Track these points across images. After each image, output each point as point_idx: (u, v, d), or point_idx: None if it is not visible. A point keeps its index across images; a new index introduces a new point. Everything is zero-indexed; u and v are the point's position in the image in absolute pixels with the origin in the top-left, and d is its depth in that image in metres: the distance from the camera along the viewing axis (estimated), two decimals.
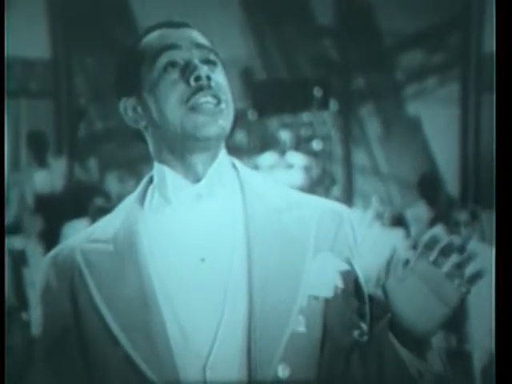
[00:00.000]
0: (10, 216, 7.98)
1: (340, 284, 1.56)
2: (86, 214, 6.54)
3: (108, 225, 1.61)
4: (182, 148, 1.57)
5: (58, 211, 7.17)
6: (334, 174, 8.78)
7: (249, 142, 8.56)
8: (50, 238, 6.48)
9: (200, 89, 1.55)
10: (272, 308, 1.50)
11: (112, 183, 8.36)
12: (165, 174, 1.59)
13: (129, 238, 1.57)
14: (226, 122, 1.57)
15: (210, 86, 1.55)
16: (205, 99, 1.55)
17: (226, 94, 1.58)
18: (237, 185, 1.61)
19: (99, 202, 6.56)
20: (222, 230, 1.56)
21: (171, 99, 1.55)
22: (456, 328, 5.56)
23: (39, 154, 8.34)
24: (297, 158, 8.24)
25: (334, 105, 8.83)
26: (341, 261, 1.57)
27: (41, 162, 8.30)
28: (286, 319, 1.51)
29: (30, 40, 8.55)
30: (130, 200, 1.63)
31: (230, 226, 1.57)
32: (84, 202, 6.86)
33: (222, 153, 1.61)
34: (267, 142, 8.47)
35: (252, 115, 8.75)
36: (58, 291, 1.58)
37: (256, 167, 8.03)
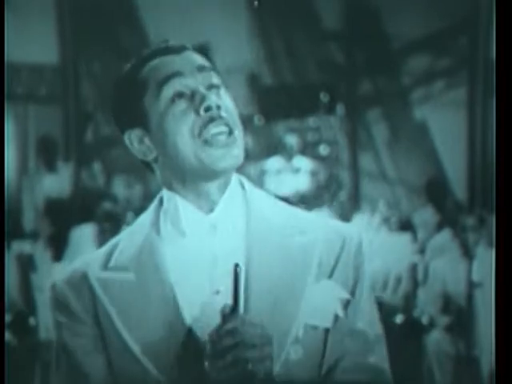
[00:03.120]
0: (18, 220, 8.00)
1: (340, 313, 1.55)
2: (94, 218, 6.55)
3: (123, 251, 1.58)
4: (195, 178, 1.55)
5: (65, 216, 7.19)
6: (341, 179, 8.78)
7: (255, 147, 8.56)
8: (58, 243, 6.49)
9: (211, 120, 1.53)
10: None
11: (119, 187, 8.37)
12: (177, 205, 1.57)
13: (151, 267, 1.55)
14: (240, 150, 1.55)
15: (220, 116, 1.53)
16: (217, 129, 1.53)
17: (236, 119, 1.56)
18: (244, 207, 1.59)
19: (106, 206, 6.58)
20: (234, 259, 1.52)
21: (182, 132, 1.53)
22: (464, 334, 5.56)
23: (48, 158, 8.36)
24: (304, 163, 8.24)
25: (340, 109, 8.84)
26: (342, 289, 1.55)
27: (50, 166, 8.32)
28: (280, 349, 1.50)
29: (38, 46, 8.58)
30: (144, 224, 1.60)
31: (241, 254, 1.54)
32: (91, 206, 6.88)
33: (234, 176, 1.59)
34: (274, 147, 8.48)
35: (259, 120, 8.75)
36: (82, 316, 1.56)
37: (263, 172, 8.05)
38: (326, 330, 1.54)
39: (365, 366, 1.55)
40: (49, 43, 8.76)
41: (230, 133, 1.54)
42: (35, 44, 8.50)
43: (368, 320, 1.57)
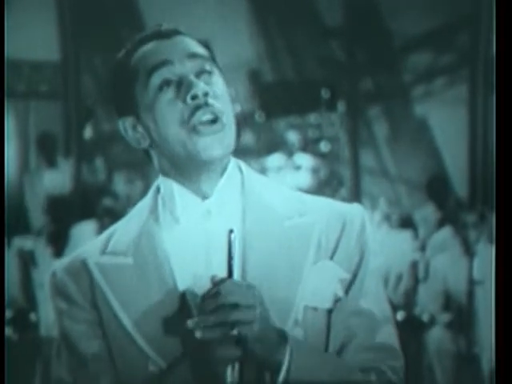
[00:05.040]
0: (19, 217, 8.01)
1: (340, 293, 1.53)
2: (94, 214, 6.55)
3: (122, 236, 1.57)
4: (189, 165, 1.53)
5: (66, 212, 7.19)
6: (342, 176, 8.78)
7: (256, 144, 8.56)
8: (59, 239, 6.50)
9: (198, 107, 1.49)
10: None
11: (120, 184, 8.38)
12: (173, 191, 1.56)
13: (149, 252, 1.54)
14: (230, 138, 1.52)
15: (207, 103, 1.50)
16: (204, 117, 1.49)
17: (226, 106, 1.52)
18: (241, 191, 1.57)
19: (107, 202, 6.58)
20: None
21: (170, 120, 1.50)
22: (465, 331, 5.56)
23: (48, 155, 8.36)
24: (304, 160, 8.25)
25: (341, 106, 8.84)
26: (341, 269, 1.54)
27: (50, 163, 8.33)
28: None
29: (38, 42, 8.58)
30: (142, 211, 1.59)
31: (238, 238, 1.51)
32: (92, 202, 6.89)
33: (232, 161, 1.57)
34: (275, 144, 8.48)
35: (260, 117, 8.75)
36: (81, 302, 1.56)
37: (264, 169, 8.05)
38: (329, 311, 1.53)
39: (373, 345, 1.53)
40: (49, 40, 8.76)
41: (218, 120, 1.50)
42: (36, 40, 8.50)
43: (373, 300, 1.55)
